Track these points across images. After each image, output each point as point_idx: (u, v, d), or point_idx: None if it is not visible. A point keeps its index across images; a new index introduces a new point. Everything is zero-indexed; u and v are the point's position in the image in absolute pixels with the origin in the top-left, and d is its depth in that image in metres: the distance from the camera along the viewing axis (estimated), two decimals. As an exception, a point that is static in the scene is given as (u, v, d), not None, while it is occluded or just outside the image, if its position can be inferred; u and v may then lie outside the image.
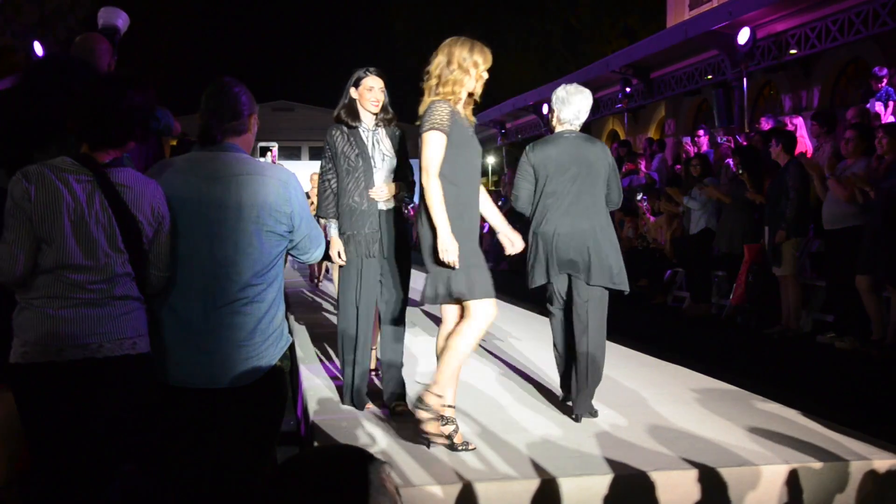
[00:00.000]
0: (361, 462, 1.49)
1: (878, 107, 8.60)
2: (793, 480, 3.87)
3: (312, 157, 35.66)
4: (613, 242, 4.77)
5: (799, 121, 9.63)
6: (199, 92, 3.08)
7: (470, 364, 6.32)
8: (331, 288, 10.09)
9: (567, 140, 4.83)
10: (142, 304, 2.90)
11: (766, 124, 10.48)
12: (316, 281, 11.80)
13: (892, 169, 6.69)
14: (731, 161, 9.05)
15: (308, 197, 9.53)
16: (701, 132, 12.26)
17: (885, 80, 9.26)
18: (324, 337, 7.51)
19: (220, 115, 2.98)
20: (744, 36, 12.42)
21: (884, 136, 6.85)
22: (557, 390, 5.28)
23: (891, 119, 7.59)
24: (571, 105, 4.84)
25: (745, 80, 12.95)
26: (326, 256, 6.86)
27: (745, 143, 9.92)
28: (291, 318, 8.55)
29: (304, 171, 13.10)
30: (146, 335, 2.89)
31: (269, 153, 4.43)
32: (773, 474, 3.87)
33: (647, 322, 9.26)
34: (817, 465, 3.93)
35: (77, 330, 2.75)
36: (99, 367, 2.76)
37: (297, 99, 38.78)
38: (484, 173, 30.44)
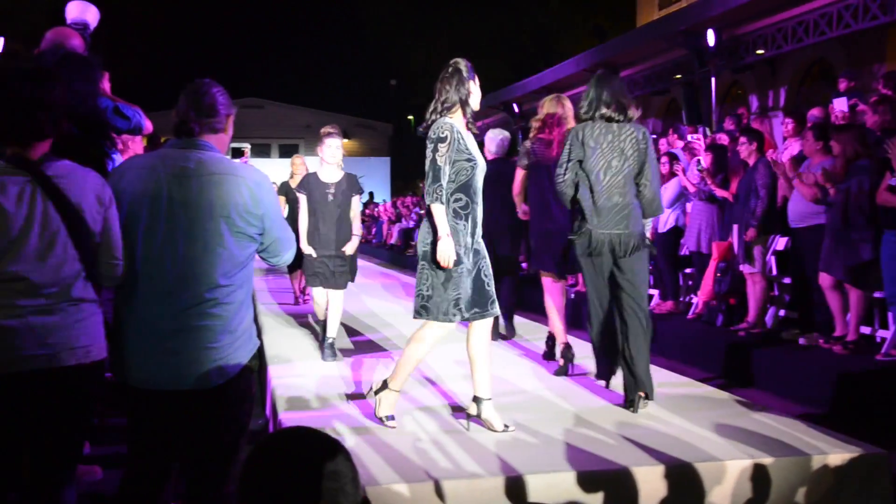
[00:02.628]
0: (317, 442, 1.51)
1: (842, 104, 8.69)
2: (758, 475, 3.92)
3: (283, 154, 35.50)
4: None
5: (759, 123, 9.73)
6: (168, 89, 3.06)
7: (438, 360, 6.34)
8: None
9: None
10: (98, 306, 2.86)
11: (729, 124, 10.59)
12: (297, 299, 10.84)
13: (850, 169, 6.79)
14: (700, 158, 9.12)
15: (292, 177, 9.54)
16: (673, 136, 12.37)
17: (844, 85, 9.41)
18: (293, 335, 7.48)
19: (198, 110, 2.95)
20: (711, 36, 12.54)
21: (838, 137, 6.96)
22: (524, 386, 5.33)
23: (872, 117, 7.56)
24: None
25: (712, 79, 13.08)
26: (298, 262, 6.82)
27: (711, 142, 9.99)
28: (261, 314, 8.51)
29: (274, 170, 13.05)
30: (101, 340, 2.86)
31: (242, 155, 4.43)
32: (739, 469, 3.91)
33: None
34: (781, 459, 3.98)
35: (26, 341, 2.69)
36: (49, 378, 2.71)
37: (267, 96, 38.56)
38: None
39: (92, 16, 4.94)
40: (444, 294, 4.31)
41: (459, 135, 4.31)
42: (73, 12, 4.91)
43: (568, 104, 6.02)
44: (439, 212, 4.23)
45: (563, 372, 5.84)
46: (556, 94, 6.25)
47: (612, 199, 4.83)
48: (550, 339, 6.38)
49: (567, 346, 5.90)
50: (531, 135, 6.12)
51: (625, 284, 4.89)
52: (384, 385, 4.57)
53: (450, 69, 4.40)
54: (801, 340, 7.28)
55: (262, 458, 1.51)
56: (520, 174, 6.22)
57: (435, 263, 4.26)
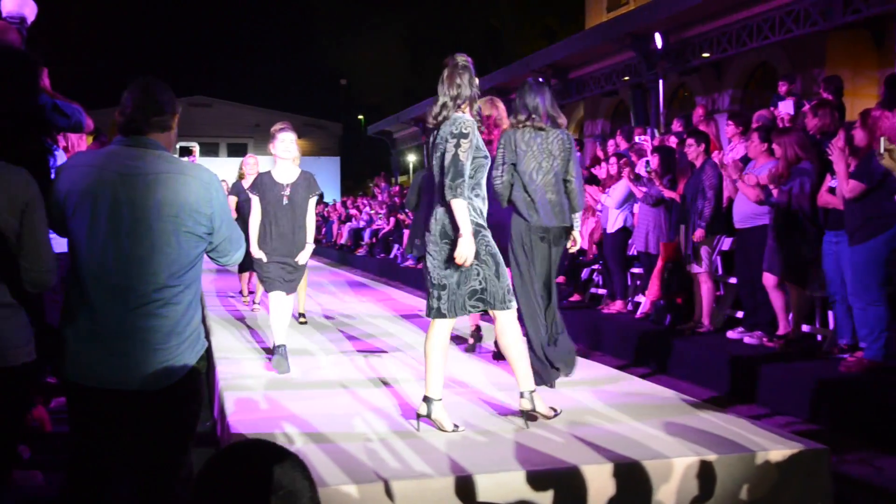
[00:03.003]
0: (273, 458, 1.48)
1: (788, 106, 8.88)
2: (704, 472, 3.98)
3: (231, 153, 35.14)
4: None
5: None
6: (111, 87, 3.00)
7: (388, 360, 6.32)
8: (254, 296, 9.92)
9: None
10: (16, 309, 2.80)
11: (677, 126, 10.75)
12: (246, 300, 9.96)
13: (792, 171, 6.94)
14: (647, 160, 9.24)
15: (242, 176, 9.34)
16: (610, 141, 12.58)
17: (784, 88, 9.61)
18: (241, 336, 7.40)
19: (145, 108, 2.90)
20: (658, 39, 12.70)
21: (774, 141, 7.12)
22: (474, 385, 5.35)
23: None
24: None
25: (660, 81, 13.25)
26: (248, 263, 6.74)
27: (659, 143, 10.14)
28: (209, 315, 8.41)
29: (223, 169, 12.92)
30: (25, 343, 2.80)
31: (190, 154, 4.34)
32: (685, 466, 3.96)
33: (563, 319, 9.37)
34: (726, 456, 4.04)
35: None
36: None
37: (216, 95, 38.11)
38: (405, 171, 30.50)
39: (29, 10, 4.81)
40: (499, 283, 4.41)
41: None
42: (9, 6, 4.78)
43: (501, 106, 6.30)
44: (462, 207, 4.22)
45: (471, 349, 6.68)
46: (490, 97, 6.43)
47: (545, 197, 5.27)
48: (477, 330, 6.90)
49: (477, 328, 6.77)
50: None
51: (552, 273, 5.41)
52: (427, 401, 4.45)
53: (459, 64, 4.41)
54: (747, 339, 7.41)
55: (217, 475, 1.47)
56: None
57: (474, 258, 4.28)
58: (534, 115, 5.28)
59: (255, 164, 9.23)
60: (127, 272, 2.80)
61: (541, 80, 6.10)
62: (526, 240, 5.30)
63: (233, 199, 8.99)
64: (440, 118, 4.38)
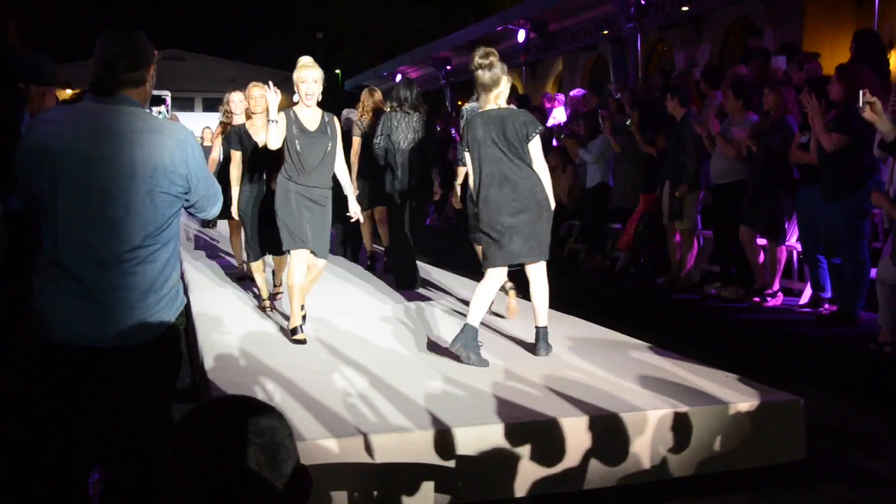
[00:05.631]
0: (252, 411, 1.48)
1: (781, 62, 8.85)
2: (678, 424, 4.05)
3: (206, 108, 34.66)
4: None
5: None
6: (82, 38, 2.92)
7: (366, 318, 6.34)
8: (224, 244, 9.88)
9: None
10: None
11: (658, 80, 10.72)
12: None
13: (775, 125, 6.94)
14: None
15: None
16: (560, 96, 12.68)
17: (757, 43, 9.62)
18: (220, 292, 7.39)
19: (116, 64, 2.79)
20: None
21: (769, 93, 7.06)
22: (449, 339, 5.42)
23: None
24: None
25: (638, 36, 13.18)
26: (226, 215, 6.55)
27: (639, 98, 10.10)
28: (187, 272, 8.36)
29: (198, 124, 12.74)
30: None
31: (162, 104, 4.25)
32: (661, 419, 4.03)
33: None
34: (701, 408, 4.12)
35: None
36: None
37: (189, 48, 37.47)
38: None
39: None
40: None
41: None
42: None
43: (378, 94, 8.56)
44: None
45: (369, 268, 9.05)
46: (370, 88, 8.77)
47: (407, 161, 7.58)
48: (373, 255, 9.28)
49: (372, 253, 9.28)
50: (358, 115, 8.45)
51: (409, 214, 7.69)
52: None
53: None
54: (723, 293, 7.48)
55: (195, 428, 1.47)
56: (356, 142, 8.35)
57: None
58: (404, 103, 7.53)
59: (241, 101, 7.84)
60: (102, 232, 2.75)
61: (408, 78, 9.37)
62: (397, 189, 7.68)
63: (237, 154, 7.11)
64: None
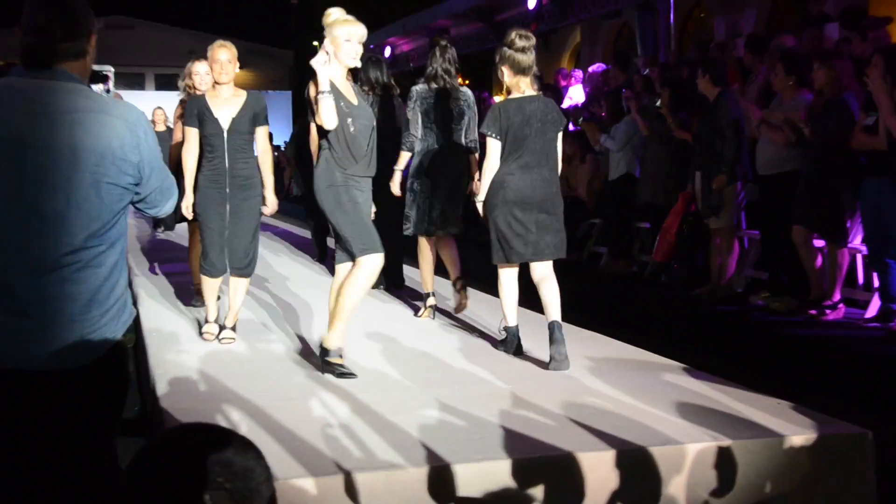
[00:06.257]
0: (217, 441, 1.45)
1: (834, 30, 8.81)
2: (722, 460, 4.02)
3: (160, 86, 34.68)
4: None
5: None
6: (11, 2, 2.90)
7: (352, 339, 6.31)
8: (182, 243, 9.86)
9: None
10: None
11: (693, 54, 10.71)
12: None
13: (830, 105, 6.89)
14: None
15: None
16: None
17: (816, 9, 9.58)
18: (175, 304, 7.37)
19: (50, 32, 2.78)
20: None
21: (819, 68, 7.03)
22: (448, 363, 5.40)
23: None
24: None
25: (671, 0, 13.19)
26: (178, 214, 6.44)
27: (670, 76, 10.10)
28: (137, 281, 8.34)
29: (149, 105, 12.71)
30: None
31: (104, 81, 4.18)
32: (700, 454, 4.00)
33: (558, 281, 9.40)
34: (749, 441, 4.09)
35: None
36: None
37: (138, 15, 37.53)
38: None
39: None
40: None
41: None
42: None
43: None
44: None
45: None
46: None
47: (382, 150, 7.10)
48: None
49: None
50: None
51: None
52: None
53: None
54: (773, 305, 7.44)
55: (152, 463, 1.43)
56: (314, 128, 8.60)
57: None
58: (376, 86, 7.82)
59: (207, 73, 7.20)
60: (38, 231, 2.72)
61: (376, 56, 9.02)
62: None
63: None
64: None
